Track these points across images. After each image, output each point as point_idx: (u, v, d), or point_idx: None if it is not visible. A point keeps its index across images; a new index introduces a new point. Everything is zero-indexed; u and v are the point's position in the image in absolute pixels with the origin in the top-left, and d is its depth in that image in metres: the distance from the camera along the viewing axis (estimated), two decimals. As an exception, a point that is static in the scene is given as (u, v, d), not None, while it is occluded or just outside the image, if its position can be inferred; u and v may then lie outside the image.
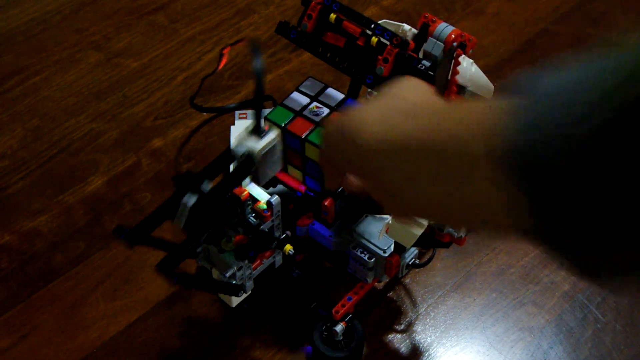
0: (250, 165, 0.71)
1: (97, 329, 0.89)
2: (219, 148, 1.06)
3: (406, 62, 0.77)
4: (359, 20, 0.79)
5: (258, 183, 0.75)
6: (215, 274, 0.80)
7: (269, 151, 0.73)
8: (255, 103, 0.70)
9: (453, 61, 0.68)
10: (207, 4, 1.27)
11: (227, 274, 0.76)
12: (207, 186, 0.70)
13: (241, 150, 0.71)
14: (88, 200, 1.01)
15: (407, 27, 0.88)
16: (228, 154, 0.72)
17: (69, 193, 1.02)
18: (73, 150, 1.07)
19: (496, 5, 1.27)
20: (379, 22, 0.80)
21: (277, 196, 0.75)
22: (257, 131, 0.72)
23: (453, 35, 0.86)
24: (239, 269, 0.76)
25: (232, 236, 0.73)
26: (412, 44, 0.78)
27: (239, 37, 1.01)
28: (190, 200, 0.69)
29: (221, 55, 0.84)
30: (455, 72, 0.68)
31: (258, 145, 0.72)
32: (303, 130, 0.78)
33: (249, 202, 0.74)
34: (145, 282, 0.93)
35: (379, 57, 0.77)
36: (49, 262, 0.95)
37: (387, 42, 0.77)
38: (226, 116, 1.10)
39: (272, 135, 0.73)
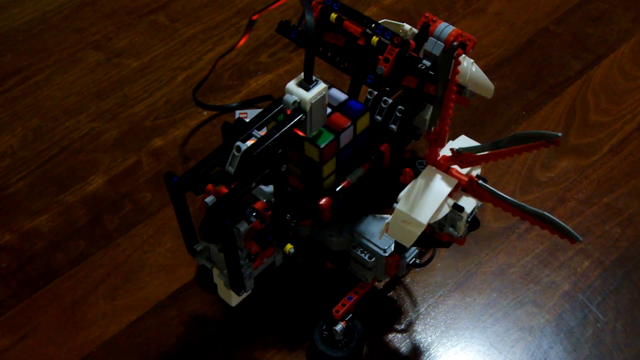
0: (300, 115, 0.72)
1: (97, 329, 0.89)
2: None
3: (407, 62, 0.77)
4: (359, 20, 0.79)
5: (306, 135, 0.75)
6: (216, 273, 0.80)
7: (317, 102, 0.73)
8: (307, 54, 0.70)
9: (453, 61, 0.68)
10: (208, 4, 1.27)
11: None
12: (258, 133, 0.71)
13: (292, 99, 0.71)
14: (88, 199, 1.01)
15: (407, 26, 0.88)
16: (278, 103, 0.73)
17: (69, 193, 1.02)
18: (73, 149, 1.07)
19: (496, 4, 1.27)
20: (380, 21, 0.80)
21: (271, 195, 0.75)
22: (307, 81, 0.72)
23: (453, 35, 0.86)
24: (241, 267, 0.76)
25: (238, 231, 0.73)
26: (412, 44, 0.78)
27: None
28: (243, 145, 0.69)
29: (250, 23, 0.84)
30: (456, 72, 0.68)
31: (308, 95, 0.72)
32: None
33: (250, 202, 0.74)
34: (146, 282, 0.93)
35: (380, 56, 0.77)
36: (49, 262, 0.95)
37: (388, 42, 0.77)
38: (226, 115, 1.10)
39: (321, 86, 0.73)
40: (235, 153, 0.70)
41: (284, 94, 0.72)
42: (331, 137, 0.77)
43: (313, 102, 0.72)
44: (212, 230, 0.72)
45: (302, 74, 0.72)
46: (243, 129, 0.71)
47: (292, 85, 0.72)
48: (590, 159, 1.05)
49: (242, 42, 0.88)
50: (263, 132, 0.72)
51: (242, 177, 0.70)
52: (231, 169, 0.70)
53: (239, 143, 0.70)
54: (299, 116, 0.72)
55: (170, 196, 0.72)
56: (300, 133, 0.76)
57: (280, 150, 0.71)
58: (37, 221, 0.99)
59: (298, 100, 0.72)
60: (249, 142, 0.70)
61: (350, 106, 0.80)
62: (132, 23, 1.24)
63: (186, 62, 1.18)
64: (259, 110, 0.74)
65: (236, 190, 0.70)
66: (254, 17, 0.84)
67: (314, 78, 0.72)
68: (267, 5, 0.80)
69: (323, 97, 0.73)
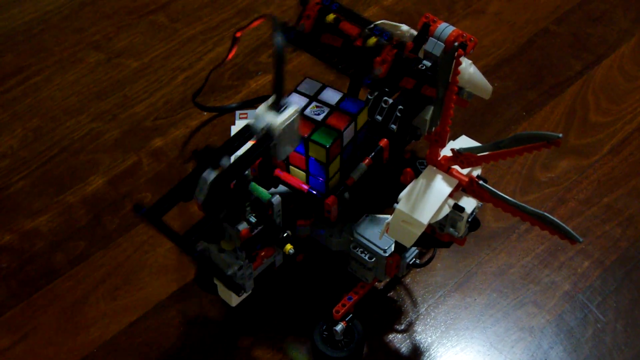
0: (269, 141, 0.71)
1: (98, 329, 0.89)
2: (219, 148, 1.06)
3: (404, 64, 0.77)
4: (357, 20, 0.79)
5: (277, 158, 0.74)
6: (215, 273, 0.80)
7: (287, 127, 0.72)
8: (276, 77, 0.69)
9: (454, 61, 0.68)
10: (208, 4, 1.27)
11: (228, 274, 0.76)
12: (227, 161, 0.70)
13: (260, 125, 0.70)
14: (88, 200, 1.01)
15: (405, 27, 0.88)
16: (247, 129, 0.72)
17: (70, 193, 1.02)
18: (73, 150, 1.07)
19: (497, 5, 1.27)
20: (377, 22, 0.80)
21: (278, 196, 0.75)
22: (276, 106, 0.71)
23: (454, 36, 0.86)
24: (239, 268, 0.76)
25: (236, 233, 0.73)
26: (410, 45, 0.77)
27: (238, 36, 1.01)
28: (210, 175, 0.68)
29: (234, 40, 0.83)
30: (456, 73, 0.67)
31: (277, 120, 0.71)
32: (305, 131, 0.78)
33: (249, 203, 0.74)
34: (146, 282, 0.93)
35: (377, 58, 0.77)
36: (50, 262, 0.95)
37: (386, 43, 0.77)
38: (227, 116, 1.10)
39: (291, 110, 0.72)
40: (204, 182, 0.68)
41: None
42: (335, 135, 0.77)
43: (283, 127, 0.71)
44: (189, 254, 0.71)
45: (272, 97, 0.70)
46: (212, 157, 0.70)
47: (261, 109, 0.71)
48: (591, 159, 1.05)
49: (230, 55, 0.88)
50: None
51: (212, 206, 0.69)
52: (201, 198, 0.69)
53: (206, 173, 0.69)
54: (268, 142, 0.71)
55: (146, 224, 0.71)
56: (304, 134, 0.76)
57: (249, 178, 0.71)
58: (37, 221, 0.99)
59: (267, 126, 0.70)
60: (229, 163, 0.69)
61: (347, 103, 0.80)
62: (132, 23, 1.24)
63: (186, 62, 1.18)
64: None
65: (206, 221, 0.69)
66: (238, 35, 0.83)
67: (284, 101, 0.71)
68: (249, 22, 0.79)
69: (294, 121, 0.72)
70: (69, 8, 1.27)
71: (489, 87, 0.87)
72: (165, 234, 0.70)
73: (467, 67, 0.84)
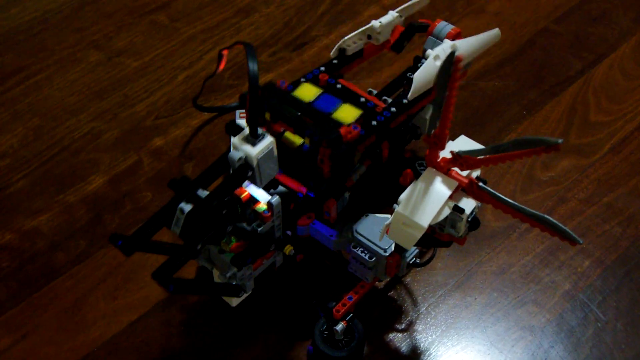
0: (247, 171, 0.71)
1: (98, 328, 0.89)
2: (219, 147, 1.06)
3: (344, 157, 0.77)
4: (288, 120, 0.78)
5: (258, 186, 0.74)
6: (216, 274, 0.80)
7: (265, 155, 0.72)
8: (250, 107, 0.69)
9: (453, 64, 0.68)
10: (208, 3, 1.27)
11: (228, 274, 0.76)
12: (203, 193, 0.69)
13: (237, 155, 0.70)
14: (89, 199, 1.01)
15: (376, 23, 0.87)
16: (224, 160, 0.71)
17: (70, 192, 1.02)
18: (74, 149, 1.07)
19: (497, 4, 1.27)
20: (378, 20, 0.80)
21: (277, 197, 0.75)
22: (253, 135, 0.71)
23: (452, 34, 0.86)
24: (217, 289, 0.76)
25: (231, 240, 0.73)
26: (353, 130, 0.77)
27: (239, 38, 1.01)
28: (186, 207, 0.68)
29: (220, 56, 0.83)
30: (456, 78, 0.67)
31: (254, 150, 0.71)
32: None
33: (249, 203, 0.74)
34: (146, 282, 0.93)
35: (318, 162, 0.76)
36: (50, 261, 0.95)
37: (317, 143, 0.76)
38: (227, 115, 1.10)
39: (268, 140, 0.72)
40: (179, 215, 0.68)
41: (284, 94, 0.72)
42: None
43: (260, 157, 0.71)
44: (163, 286, 0.71)
45: (247, 129, 0.70)
46: (187, 189, 0.69)
47: (237, 140, 0.71)
48: (591, 158, 1.05)
49: (221, 68, 0.87)
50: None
51: (188, 238, 0.69)
52: (177, 230, 0.69)
53: (182, 205, 0.68)
54: (247, 172, 0.71)
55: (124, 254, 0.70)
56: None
57: (224, 211, 0.70)
58: (37, 221, 0.99)
59: (244, 157, 0.71)
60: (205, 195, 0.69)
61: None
62: (133, 23, 1.24)
63: (187, 61, 1.18)
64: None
65: (181, 253, 0.69)
66: (224, 52, 0.83)
67: (259, 132, 0.71)
68: (233, 44, 0.78)
69: (271, 151, 0.72)
70: (70, 7, 1.27)
71: (491, 35, 0.87)
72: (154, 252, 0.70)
73: (460, 46, 0.84)
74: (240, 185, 0.72)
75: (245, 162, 0.71)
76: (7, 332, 0.89)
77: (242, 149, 0.71)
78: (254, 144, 0.71)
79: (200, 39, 1.22)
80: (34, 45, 1.21)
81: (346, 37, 0.88)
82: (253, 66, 0.67)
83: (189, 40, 1.22)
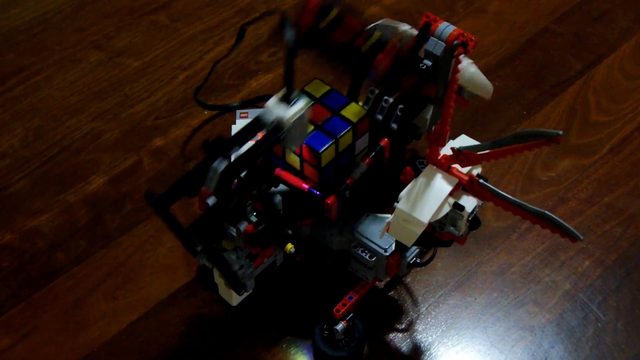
0: (279, 133, 0.72)
1: (98, 328, 0.89)
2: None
3: (405, 62, 0.77)
4: (358, 19, 0.79)
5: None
6: (216, 273, 0.80)
7: (297, 119, 0.72)
8: (286, 71, 0.69)
9: (454, 61, 0.68)
10: (208, 3, 1.27)
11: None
12: (238, 152, 0.70)
13: (270, 117, 0.71)
14: (89, 199, 1.01)
15: (406, 26, 0.88)
16: (257, 121, 0.72)
17: (70, 192, 1.02)
18: (74, 149, 1.07)
19: (497, 4, 1.27)
20: (379, 21, 0.80)
21: (278, 195, 0.75)
22: (286, 98, 0.71)
23: (454, 35, 0.86)
24: (240, 267, 0.76)
25: (238, 232, 0.73)
26: (411, 44, 0.78)
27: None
28: (221, 165, 0.69)
29: (242, 31, 0.83)
30: (456, 72, 0.67)
31: (287, 113, 0.71)
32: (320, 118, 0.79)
33: (250, 202, 0.74)
34: (146, 282, 0.93)
35: (379, 55, 0.77)
36: (50, 261, 0.95)
37: (387, 41, 0.77)
38: (227, 115, 1.10)
39: (301, 103, 0.72)
40: (214, 173, 0.69)
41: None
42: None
43: (293, 120, 0.71)
44: (191, 251, 0.71)
45: (282, 91, 0.71)
46: (221, 148, 0.70)
47: (272, 102, 0.71)
48: (591, 158, 1.05)
49: (235, 51, 0.87)
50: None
51: (221, 197, 0.70)
52: (211, 187, 0.69)
53: (216, 163, 0.69)
54: (278, 135, 0.71)
55: (155, 212, 0.71)
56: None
57: (258, 171, 0.71)
58: (37, 221, 0.99)
59: (277, 118, 0.71)
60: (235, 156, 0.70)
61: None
62: (133, 23, 1.24)
63: (187, 61, 1.18)
64: (260, 110, 0.74)
65: (213, 211, 0.69)
66: (246, 27, 0.83)
67: (294, 94, 0.71)
68: (261, 15, 0.79)
69: (304, 113, 0.72)
70: (70, 7, 1.27)
71: (490, 87, 0.87)
72: (170, 226, 0.70)
73: (468, 67, 0.84)
74: (272, 146, 0.72)
75: (279, 124, 0.72)
76: (7, 332, 0.89)
77: (276, 110, 0.71)
78: (288, 106, 0.72)
79: (201, 39, 1.22)
80: (34, 45, 1.21)
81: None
82: (289, 33, 0.69)
83: (190, 40, 1.22)
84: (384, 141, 0.84)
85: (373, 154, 0.84)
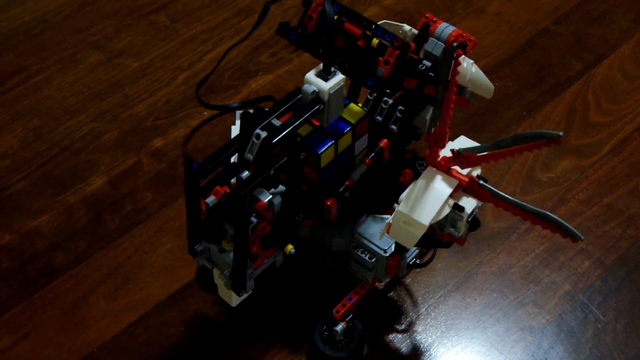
0: (318, 105, 0.73)
1: (98, 329, 0.89)
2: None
3: (407, 64, 0.77)
4: (359, 21, 0.79)
5: (323, 124, 0.76)
6: (216, 273, 0.80)
7: (336, 91, 0.74)
8: (326, 46, 0.72)
9: (453, 61, 0.68)
10: (208, 4, 1.27)
11: (228, 273, 0.76)
12: (277, 122, 0.72)
13: (310, 89, 0.73)
14: (89, 200, 1.01)
15: (407, 27, 0.88)
16: (297, 92, 0.74)
17: (70, 193, 1.02)
18: (74, 150, 1.07)
19: (497, 5, 1.27)
20: (379, 22, 0.80)
21: (279, 196, 0.75)
22: (326, 71, 0.73)
23: (454, 36, 0.86)
24: (247, 260, 0.76)
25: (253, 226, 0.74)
26: (412, 46, 0.78)
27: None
28: (262, 134, 0.70)
29: (266, 10, 0.84)
30: (456, 72, 0.67)
31: (326, 85, 0.73)
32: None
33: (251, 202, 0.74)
34: (146, 282, 0.93)
35: (380, 58, 0.77)
36: (50, 262, 0.95)
37: (388, 44, 0.77)
38: (227, 116, 1.10)
39: (339, 77, 0.74)
40: (255, 140, 0.70)
41: (283, 95, 0.72)
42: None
43: (331, 92, 0.73)
44: (214, 230, 0.72)
45: (321, 64, 0.73)
46: (263, 117, 0.72)
47: (311, 75, 0.74)
48: (591, 159, 1.05)
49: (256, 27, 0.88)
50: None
51: (261, 164, 0.71)
52: (250, 157, 0.71)
53: (258, 131, 0.71)
54: (318, 106, 0.73)
55: (185, 184, 0.72)
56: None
57: (299, 138, 0.72)
58: (37, 221, 0.99)
59: (317, 90, 0.73)
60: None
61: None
62: (133, 23, 1.24)
63: (186, 62, 1.18)
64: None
65: (255, 176, 0.71)
66: (271, 6, 0.85)
67: (332, 69, 0.73)
68: None
69: (341, 88, 0.74)
70: (70, 8, 1.27)
71: (491, 86, 0.87)
72: (188, 205, 0.72)
73: (469, 67, 0.84)
74: (311, 117, 0.74)
75: (317, 96, 0.73)
76: (7, 333, 0.89)
77: (315, 82, 0.73)
78: (326, 79, 0.73)
79: (200, 40, 1.22)
80: (34, 46, 1.21)
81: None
82: (329, 7, 0.72)
83: (189, 41, 1.22)
84: (383, 142, 0.84)
85: (372, 154, 0.84)
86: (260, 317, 0.89)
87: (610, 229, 0.98)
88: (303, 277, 0.92)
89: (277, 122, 0.72)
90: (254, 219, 0.75)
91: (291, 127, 0.72)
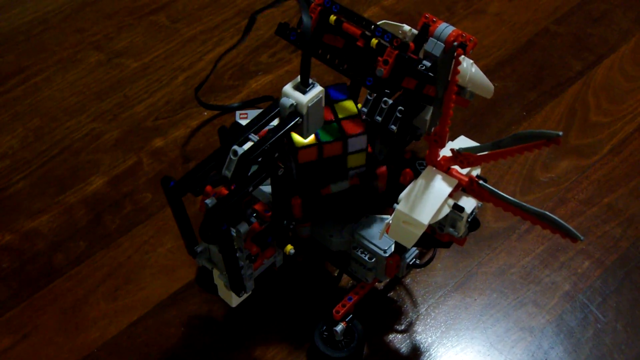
0: (297, 118, 0.72)
1: (98, 329, 0.89)
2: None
3: (406, 64, 0.77)
4: (358, 21, 0.79)
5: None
6: (215, 274, 0.80)
7: (315, 104, 0.73)
8: (303, 56, 0.70)
9: (454, 61, 0.68)
10: (208, 4, 1.27)
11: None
12: (254, 137, 0.71)
13: (288, 102, 0.71)
14: (89, 200, 1.01)
15: (406, 27, 0.88)
16: (275, 106, 0.73)
17: (70, 193, 1.02)
18: (74, 150, 1.07)
19: (497, 5, 1.27)
20: (379, 23, 0.80)
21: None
22: (304, 84, 0.72)
23: (453, 36, 0.86)
24: (240, 268, 0.76)
25: (238, 233, 0.73)
26: (412, 46, 0.77)
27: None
28: (239, 150, 0.69)
29: (252, 21, 0.84)
30: (456, 72, 0.67)
31: (304, 98, 0.72)
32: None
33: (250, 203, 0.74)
34: (146, 282, 0.93)
35: (379, 58, 0.77)
36: (50, 262, 0.95)
37: (387, 44, 0.77)
38: (227, 116, 1.10)
39: (317, 89, 0.73)
40: (232, 157, 0.69)
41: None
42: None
43: (310, 105, 0.71)
44: (211, 232, 0.72)
45: (299, 76, 0.72)
46: (239, 133, 0.71)
47: (288, 88, 0.72)
48: (591, 159, 1.05)
49: (240, 43, 0.88)
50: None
51: (240, 181, 0.70)
52: (228, 173, 0.70)
53: (235, 147, 0.69)
54: (296, 120, 0.72)
55: (167, 200, 0.71)
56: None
57: (276, 154, 0.71)
58: (37, 221, 0.99)
59: (295, 104, 0.71)
60: (247, 146, 0.70)
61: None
62: (133, 23, 1.24)
63: (186, 62, 1.18)
64: (260, 111, 0.74)
65: (234, 194, 0.70)
66: (256, 16, 0.84)
67: (310, 81, 0.72)
68: (273, 2, 0.80)
69: (320, 100, 0.73)
70: (70, 8, 1.27)
71: (491, 86, 0.87)
72: (177, 217, 0.72)
73: (469, 67, 0.84)
74: (289, 131, 0.73)
75: (296, 109, 0.72)
76: (7, 333, 0.89)
77: (293, 96, 0.72)
78: (304, 92, 0.72)
79: (201, 40, 1.22)
80: (34, 46, 1.21)
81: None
82: (306, 17, 0.69)
83: (189, 41, 1.22)
84: (382, 169, 0.83)
85: (360, 176, 0.83)
86: (260, 317, 0.89)
87: (610, 229, 0.98)
88: (303, 277, 0.92)
89: (254, 137, 0.71)
90: (253, 219, 0.75)
91: (269, 143, 0.70)
